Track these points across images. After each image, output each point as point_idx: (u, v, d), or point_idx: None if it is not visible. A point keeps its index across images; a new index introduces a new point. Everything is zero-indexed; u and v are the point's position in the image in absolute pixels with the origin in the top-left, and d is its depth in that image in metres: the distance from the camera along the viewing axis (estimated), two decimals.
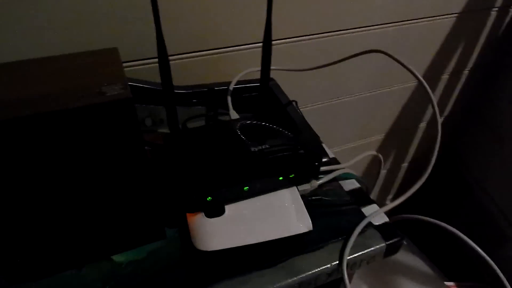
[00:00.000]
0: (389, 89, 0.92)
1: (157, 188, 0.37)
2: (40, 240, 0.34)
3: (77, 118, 0.28)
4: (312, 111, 0.84)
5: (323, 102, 0.85)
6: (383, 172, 1.19)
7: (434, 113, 0.45)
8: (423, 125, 1.12)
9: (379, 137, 1.06)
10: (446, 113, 1.13)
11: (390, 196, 1.33)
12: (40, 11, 0.49)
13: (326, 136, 0.90)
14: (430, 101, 0.45)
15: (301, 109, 0.56)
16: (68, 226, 0.34)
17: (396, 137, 1.09)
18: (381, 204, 0.43)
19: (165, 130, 0.53)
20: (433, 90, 1.03)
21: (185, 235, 0.38)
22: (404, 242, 0.41)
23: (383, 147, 1.10)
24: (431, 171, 0.44)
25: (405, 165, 1.23)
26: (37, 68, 0.32)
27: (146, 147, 0.50)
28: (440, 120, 0.45)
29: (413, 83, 0.95)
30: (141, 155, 0.32)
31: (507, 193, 1.03)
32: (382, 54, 0.48)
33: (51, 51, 0.52)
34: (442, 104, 1.09)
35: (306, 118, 0.54)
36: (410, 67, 0.46)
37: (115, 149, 0.31)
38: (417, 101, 1.01)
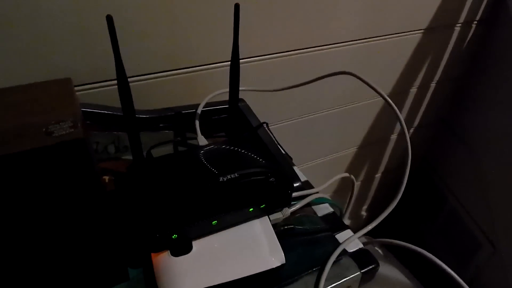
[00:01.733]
0: (358, 104, 0.93)
1: (118, 225, 0.34)
2: None
3: (22, 161, 0.25)
4: (283, 128, 0.84)
5: (293, 118, 0.84)
6: (356, 184, 1.20)
7: (402, 131, 0.45)
8: (394, 136, 1.14)
9: (351, 150, 1.07)
10: (415, 124, 1.15)
11: (365, 207, 1.34)
12: None
13: (298, 152, 0.90)
14: (399, 120, 0.45)
15: (272, 126, 0.55)
16: (22, 269, 0.31)
17: (369, 149, 1.10)
18: (356, 215, 0.42)
19: (129, 156, 0.50)
20: (402, 103, 1.05)
21: (150, 276, 0.35)
22: (381, 252, 0.40)
23: (356, 159, 1.10)
24: (408, 180, 0.44)
25: (378, 175, 1.25)
26: None
27: (109, 177, 0.47)
28: (408, 137, 0.45)
29: (380, 98, 0.96)
30: (98, 195, 0.30)
31: (479, 202, 1.06)
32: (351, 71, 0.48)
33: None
34: (411, 116, 1.12)
35: (277, 135, 0.53)
36: (376, 87, 0.46)
37: (69, 189, 0.28)
38: (387, 113, 1.02)
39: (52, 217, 0.29)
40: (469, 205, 1.11)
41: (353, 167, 1.12)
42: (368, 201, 1.32)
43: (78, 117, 0.28)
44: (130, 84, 0.37)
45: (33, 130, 0.26)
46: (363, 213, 1.33)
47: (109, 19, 0.33)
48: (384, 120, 1.04)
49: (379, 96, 0.45)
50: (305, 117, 0.86)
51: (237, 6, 0.40)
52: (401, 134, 1.14)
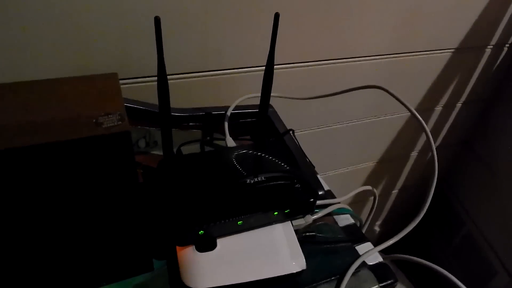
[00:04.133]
0: (383, 118, 0.93)
1: (147, 216, 0.36)
2: (23, 270, 0.32)
3: (71, 149, 0.27)
4: (306, 136, 0.84)
5: (316, 127, 0.85)
6: (371, 199, 1.19)
7: (432, 155, 0.45)
8: (414, 154, 1.13)
9: (371, 163, 1.06)
10: (437, 143, 1.14)
11: (378, 222, 1.32)
12: (41, 29, 0.48)
13: (318, 161, 0.90)
14: (428, 139, 0.45)
15: (295, 133, 0.56)
16: (54, 256, 0.32)
17: (388, 164, 1.10)
18: (369, 229, 0.42)
19: (158, 152, 0.52)
20: (426, 121, 1.04)
21: (174, 268, 0.37)
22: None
23: (374, 173, 1.10)
24: (424, 198, 0.44)
25: (395, 192, 1.23)
26: (31, 92, 0.31)
27: (138, 170, 0.49)
28: (436, 158, 0.45)
29: (406, 113, 0.96)
30: (133, 186, 0.31)
31: (497, 228, 1.03)
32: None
33: (50, 69, 0.51)
34: (434, 135, 1.10)
35: (300, 143, 0.54)
36: (408, 105, 0.46)
37: (107, 179, 0.30)
38: (410, 130, 1.02)
39: (88, 203, 0.31)
40: (487, 230, 1.09)
41: (371, 181, 1.11)
42: (382, 217, 1.31)
43: (124, 111, 0.30)
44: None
45: (84, 120, 0.28)
46: (376, 228, 1.32)
47: (157, 20, 0.35)
48: (406, 136, 1.03)
49: (403, 112, 0.46)
50: (327, 127, 0.86)
51: (277, 16, 0.41)
52: (422, 151, 1.13)
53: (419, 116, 0.45)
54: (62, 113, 0.29)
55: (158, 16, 0.35)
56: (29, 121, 0.27)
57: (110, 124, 0.28)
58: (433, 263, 0.43)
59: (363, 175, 1.08)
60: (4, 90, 0.31)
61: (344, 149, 0.95)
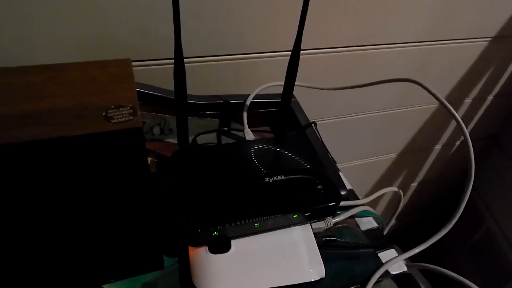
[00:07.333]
0: (408, 109, 0.88)
1: (159, 213, 0.34)
2: (34, 266, 0.31)
3: (77, 145, 0.24)
4: (326, 125, 0.81)
5: (337, 117, 0.81)
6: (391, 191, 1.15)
7: (468, 150, 0.41)
8: (437, 147, 1.08)
9: (391, 155, 1.02)
10: (462, 138, 1.08)
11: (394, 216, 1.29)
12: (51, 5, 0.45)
13: (337, 151, 0.87)
14: (463, 135, 0.41)
15: (316, 121, 0.52)
16: (63, 251, 0.31)
17: (409, 157, 1.05)
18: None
19: (173, 140, 0.49)
20: None
21: (185, 268, 0.35)
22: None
23: (394, 165, 1.06)
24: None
25: (414, 185, 1.19)
26: (41, 77, 0.28)
27: (151, 158, 0.47)
28: (473, 158, 0.41)
29: (433, 105, 0.91)
30: (145, 184, 0.29)
31: None
32: (406, 75, 0.45)
33: (62, 45, 0.48)
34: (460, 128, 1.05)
35: (320, 132, 0.51)
36: (443, 100, 0.42)
37: (117, 175, 0.28)
38: (435, 123, 0.97)
39: (96, 199, 0.29)
40: (508, 227, 1.04)
41: (390, 173, 1.07)
42: (399, 210, 1.27)
43: (137, 103, 0.27)
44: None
45: (92, 112, 0.25)
46: (393, 221, 1.29)
47: (175, 1, 0.32)
48: (431, 129, 0.98)
49: (428, 104, 0.42)
50: (349, 116, 0.82)
51: (306, 1, 0.37)
52: (445, 145, 1.08)
53: (452, 110, 0.41)
54: (69, 101, 0.27)
55: None
56: (32, 110, 0.25)
57: (121, 119, 0.25)
58: (447, 260, 0.40)
59: (381, 168, 1.04)
60: (9, 73, 0.29)
61: (363, 141, 0.91)
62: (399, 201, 0.51)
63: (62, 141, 0.24)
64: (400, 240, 1.27)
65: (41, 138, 0.23)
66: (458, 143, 1.10)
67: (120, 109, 0.26)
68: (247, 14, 0.55)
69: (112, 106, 0.26)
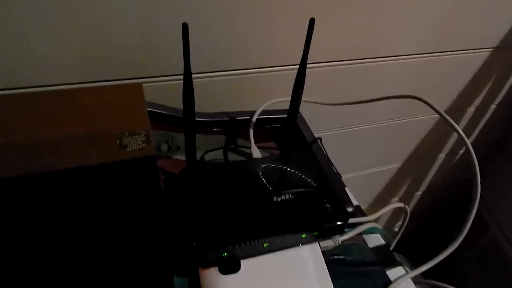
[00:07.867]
0: (410, 120, 0.89)
1: (169, 233, 0.34)
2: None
3: (92, 173, 0.25)
4: (330, 136, 0.81)
5: (339, 128, 0.81)
6: (394, 200, 1.15)
7: (472, 163, 0.41)
8: (441, 156, 1.08)
9: (396, 165, 1.02)
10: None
11: (399, 223, 1.29)
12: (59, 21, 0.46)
13: (341, 162, 0.87)
14: (467, 148, 0.42)
15: (316, 134, 0.53)
16: (76, 272, 0.31)
17: (413, 166, 1.05)
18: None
19: (180, 156, 0.50)
20: (457, 122, 0.99)
21: None
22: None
23: (398, 175, 1.06)
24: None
25: (418, 193, 1.19)
26: (55, 105, 0.29)
27: (159, 176, 0.47)
28: (478, 171, 0.41)
29: (435, 116, 0.91)
30: (157, 209, 0.29)
31: None
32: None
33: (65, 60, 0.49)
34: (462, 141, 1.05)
35: (324, 143, 0.51)
36: (448, 118, 0.43)
37: (130, 199, 0.28)
38: (438, 133, 0.97)
39: (108, 220, 0.29)
40: (510, 233, 1.04)
41: (394, 182, 1.08)
42: (402, 218, 1.27)
43: (150, 129, 0.28)
44: (179, 81, 0.36)
45: (107, 140, 0.26)
46: (396, 229, 1.29)
47: (185, 27, 0.32)
48: (434, 138, 0.99)
49: (431, 114, 0.42)
50: (352, 128, 0.83)
51: (312, 21, 0.38)
52: (449, 154, 1.08)
53: (457, 127, 0.42)
54: (84, 128, 0.27)
55: (185, 23, 0.32)
56: (48, 138, 0.26)
57: (135, 147, 0.26)
58: (450, 267, 0.40)
59: (385, 177, 1.04)
60: (24, 100, 0.30)
61: (366, 151, 0.91)
62: (406, 215, 0.51)
63: (78, 171, 0.24)
64: (404, 247, 1.27)
65: (58, 169, 0.24)
66: (461, 151, 1.10)
67: (134, 136, 0.26)
68: (250, 29, 0.56)
69: (126, 134, 0.27)
